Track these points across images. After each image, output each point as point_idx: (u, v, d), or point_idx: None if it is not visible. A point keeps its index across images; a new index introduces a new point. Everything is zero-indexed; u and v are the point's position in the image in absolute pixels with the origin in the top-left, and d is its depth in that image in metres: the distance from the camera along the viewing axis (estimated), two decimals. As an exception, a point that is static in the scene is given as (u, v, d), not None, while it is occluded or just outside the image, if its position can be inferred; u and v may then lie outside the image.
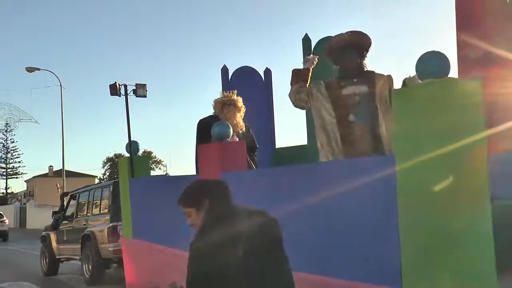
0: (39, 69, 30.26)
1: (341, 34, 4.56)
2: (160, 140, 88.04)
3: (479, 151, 2.98)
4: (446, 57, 3.17)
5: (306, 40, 6.09)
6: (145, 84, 6.27)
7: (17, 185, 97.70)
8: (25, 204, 48.98)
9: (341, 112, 4.29)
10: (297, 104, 4.65)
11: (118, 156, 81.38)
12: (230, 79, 6.72)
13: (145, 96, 6.28)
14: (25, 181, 73.21)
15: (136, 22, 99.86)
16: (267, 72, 6.90)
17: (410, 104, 3.10)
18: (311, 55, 5.00)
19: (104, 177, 72.05)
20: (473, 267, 2.90)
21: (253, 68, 6.94)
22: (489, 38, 4.13)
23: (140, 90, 6.25)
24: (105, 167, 75.45)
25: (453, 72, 3.58)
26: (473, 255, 2.90)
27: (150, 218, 6.19)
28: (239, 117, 5.19)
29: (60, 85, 30.54)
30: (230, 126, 4.78)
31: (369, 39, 4.46)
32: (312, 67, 4.74)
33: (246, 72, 6.79)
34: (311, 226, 3.74)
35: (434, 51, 3.21)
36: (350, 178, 3.49)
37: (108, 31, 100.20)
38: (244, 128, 5.25)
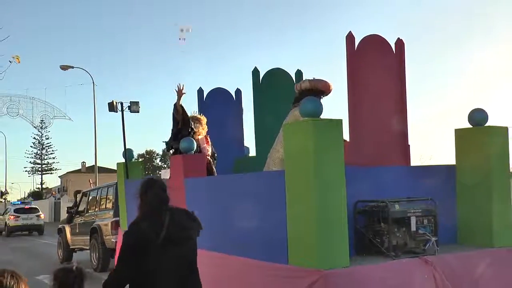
0: (72, 67, 30.68)
1: (305, 80, 5.84)
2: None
3: (337, 167, 4.27)
4: (318, 101, 4.47)
5: (255, 72, 7.12)
6: (138, 101, 7.60)
7: (52, 181, 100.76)
8: (59, 199, 50.07)
9: None
10: None
11: (149, 152, 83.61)
12: (205, 99, 7.75)
13: (138, 112, 7.61)
14: (59, 176, 75.11)
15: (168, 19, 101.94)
16: (238, 92, 7.93)
17: (289, 135, 4.42)
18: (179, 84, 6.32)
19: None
20: (330, 244, 4.17)
21: (225, 89, 7.96)
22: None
23: (134, 107, 7.61)
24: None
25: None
26: (330, 237, 4.19)
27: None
28: (202, 131, 6.54)
29: (93, 82, 30.71)
30: (194, 142, 6.12)
31: (329, 86, 5.69)
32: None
33: (219, 93, 7.85)
34: (231, 217, 5.13)
35: (311, 97, 4.54)
36: (260, 184, 4.86)
37: (140, 29, 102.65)
38: (208, 140, 6.60)
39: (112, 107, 7.42)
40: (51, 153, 77.45)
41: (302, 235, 4.31)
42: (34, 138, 75.93)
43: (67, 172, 69.65)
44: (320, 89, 5.62)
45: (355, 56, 5.20)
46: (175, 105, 6.32)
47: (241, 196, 5.21)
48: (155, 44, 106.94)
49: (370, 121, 5.25)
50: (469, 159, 5.47)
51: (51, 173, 77.79)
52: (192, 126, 6.48)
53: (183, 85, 6.22)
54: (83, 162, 68.64)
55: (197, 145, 6.22)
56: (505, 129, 5.50)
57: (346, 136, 4.99)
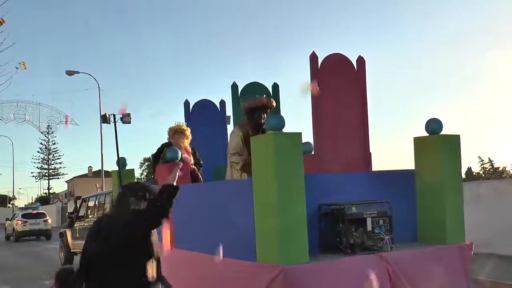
0: (78, 72, 31.18)
1: (261, 97, 6.49)
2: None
3: (297, 175, 4.84)
4: (282, 117, 5.05)
5: (234, 86, 7.65)
6: (130, 113, 8.23)
7: (59, 186, 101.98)
8: (66, 203, 50.89)
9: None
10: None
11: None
12: (191, 110, 8.29)
13: (130, 123, 8.24)
14: (66, 181, 76.18)
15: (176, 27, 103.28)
16: (222, 103, 8.46)
17: (256, 147, 5.01)
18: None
19: (142, 177, 74.50)
20: (290, 242, 4.75)
21: (210, 100, 8.50)
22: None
23: (125, 118, 8.25)
24: (143, 167, 78.23)
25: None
26: (290, 236, 4.77)
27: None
28: (186, 142, 7.13)
29: (99, 87, 31.22)
30: (179, 151, 6.71)
31: (261, 101, 6.37)
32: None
33: (204, 105, 8.37)
34: (208, 220, 5.73)
35: (276, 114, 5.12)
36: (232, 191, 5.46)
37: (146, 34, 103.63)
38: (190, 150, 7.19)
39: (105, 119, 8.03)
40: (58, 158, 78.51)
41: (267, 235, 4.89)
42: (41, 143, 76.97)
43: (74, 177, 70.53)
44: (254, 106, 6.29)
45: (318, 74, 5.78)
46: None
47: (217, 202, 5.80)
48: (162, 49, 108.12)
49: (333, 133, 5.83)
50: (426, 164, 6.03)
51: (58, 178, 78.88)
52: (174, 139, 7.11)
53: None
54: (90, 166, 69.47)
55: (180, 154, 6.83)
56: (457, 137, 6.07)
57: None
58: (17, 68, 9.62)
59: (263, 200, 4.92)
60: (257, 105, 6.39)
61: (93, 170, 66.26)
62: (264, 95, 6.69)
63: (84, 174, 69.07)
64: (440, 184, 5.89)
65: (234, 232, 5.41)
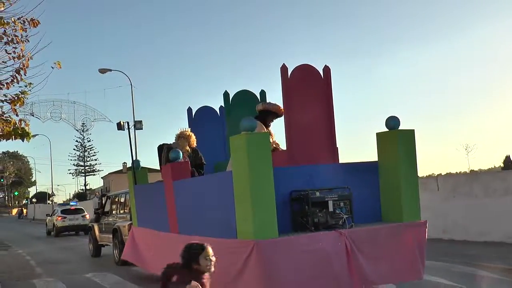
0: (110, 70, 31.50)
1: (260, 103, 7.67)
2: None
3: (266, 167, 6.01)
4: (253, 119, 6.22)
5: (226, 95, 8.83)
6: (141, 120, 9.52)
7: (95, 182, 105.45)
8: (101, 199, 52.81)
9: None
10: None
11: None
12: (194, 116, 9.43)
13: (141, 129, 9.53)
14: (101, 177, 78.74)
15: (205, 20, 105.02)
16: (221, 109, 9.40)
17: (233, 145, 6.19)
18: None
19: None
20: (262, 222, 5.91)
21: (211, 107, 9.59)
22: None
23: (138, 125, 9.56)
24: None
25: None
26: (264, 213, 5.92)
27: (147, 211, 9.54)
28: (187, 145, 8.35)
29: (131, 84, 31.18)
30: (181, 152, 7.97)
31: (278, 108, 7.43)
32: None
33: (205, 111, 9.48)
34: (200, 208, 6.98)
35: (249, 117, 6.28)
36: (217, 182, 6.69)
37: (174, 31, 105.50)
38: (190, 151, 8.42)
39: (119, 126, 9.33)
40: (93, 155, 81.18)
41: (244, 217, 6.06)
42: (77, 141, 79.69)
43: (109, 173, 72.51)
44: (271, 110, 7.44)
45: (289, 83, 6.93)
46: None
47: (207, 191, 7.03)
48: (191, 46, 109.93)
49: (302, 132, 6.97)
50: (387, 155, 7.11)
51: (94, 175, 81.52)
52: (177, 142, 8.38)
53: None
54: (124, 162, 71.21)
55: (183, 156, 8.09)
56: (412, 131, 7.13)
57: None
58: (52, 67, 9.71)
59: (240, 188, 6.08)
60: (274, 110, 7.55)
61: (127, 166, 68.10)
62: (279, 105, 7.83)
63: (119, 170, 70.92)
64: (398, 172, 6.97)
65: (222, 216, 6.61)
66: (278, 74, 6.90)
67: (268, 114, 7.51)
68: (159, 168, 8.64)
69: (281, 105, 7.27)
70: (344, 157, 8.58)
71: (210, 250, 4.74)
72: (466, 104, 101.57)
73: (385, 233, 6.69)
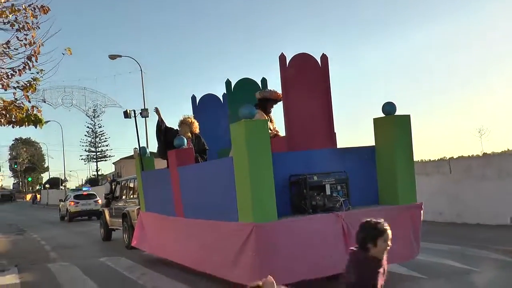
0: (120, 56, 31.63)
1: (258, 92, 7.93)
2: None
3: (264, 152, 6.28)
4: (252, 107, 6.47)
5: (228, 83, 9.02)
6: (147, 108, 9.78)
7: (106, 167, 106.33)
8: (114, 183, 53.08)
9: None
10: None
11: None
12: (198, 103, 9.75)
13: (148, 116, 9.78)
14: (113, 163, 79.39)
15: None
16: (224, 96, 9.65)
17: (234, 132, 6.45)
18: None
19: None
20: (261, 205, 6.19)
21: (214, 94, 9.90)
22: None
23: (144, 113, 9.85)
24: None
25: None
26: (263, 197, 6.20)
27: (154, 197, 9.86)
28: (189, 132, 8.62)
29: (141, 70, 31.81)
30: (185, 139, 8.25)
31: (275, 94, 7.73)
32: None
33: (209, 98, 9.81)
34: (204, 192, 7.27)
35: (248, 105, 6.54)
36: (219, 168, 6.97)
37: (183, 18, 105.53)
38: (193, 137, 8.69)
39: (126, 114, 9.63)
40: (104, 141, 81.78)
41: (244, 200, 6.34)
42: (88, 127, 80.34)
43: (120, 159, 73.03)
44: (268, 97, 7.69)
45: (287, 71, 7.16)
46: (158, 121, 8.64)
47: (210, 177, 7.32)
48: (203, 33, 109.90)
49: (300, 119, 7.21)
50: (383, 140, 7.35)
51: (105, 160, 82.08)
52: (179, 129, 8.67)
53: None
54: (135, 148, 71.84)
55: (187, 142, 8.38)
56: (408, 116, 7.35)
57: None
58: (63, 54, 9.72)
59: (240, 173, 6.36)
60: (271, 97, 7.83)
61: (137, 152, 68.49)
62: (269, 89, 8.09)
63: (130, 156, 71.56)
64: (394, 156, 7.21)
65: (224, 200, 6.90)
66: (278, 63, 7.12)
67: (266, 101, 7.78)
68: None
69: (279, 91, 7.53)
70: (343, 142, 8.82)
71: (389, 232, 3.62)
72: (479, 86, 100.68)
73: (381, 216, 6.91)
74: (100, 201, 30.88)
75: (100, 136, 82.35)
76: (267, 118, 7.56)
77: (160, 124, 8.85)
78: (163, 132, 8.73)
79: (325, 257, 6.43)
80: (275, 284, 1.73)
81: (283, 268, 6.14)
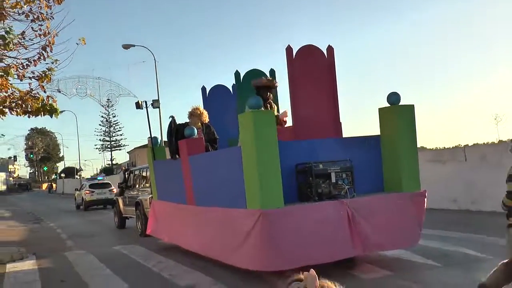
0: (134, 46, 31.49)
1: (261, 79, 8.17)
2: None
3: (271, 142, 6.50)
4: (259, 98, 6.69)
5: (237, 74, 9.27)
6: (158, 99, 10.02)
7: (121, 156, 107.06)
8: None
9: None
10: None
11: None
12: (208, 94, 9.98)
13: (159, 107, 10.04)
14: (127, 152, 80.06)
15: None
16: (234, 87, 9.87)
17: (241, 122, 6.68)
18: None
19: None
20: (268, 192, 6.43)
21: (224, 85, 10.09)
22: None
23: (155, 103, 10.11)
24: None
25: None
26: (270, 185, 6.44)
27: (165, 185, 10.14)
28: (199, 122, 8.85)
29: (154, 59, 31.66)
30: (195, 129, 8.50)
31: (261, 81, 8.00)
32: None
33: (218, 89, 10.01)
34: (213, 180, 7.52)
35: (256, 95, 6.76)
36: (228, 157, 7.21)
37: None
38: (203, 127, 8.92)
39: (138, 105, 9.89)
40: (118, 130, 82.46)
41: (252, 188, 6.57)
42: (102, 116, 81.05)
43: (135, 148, 73.61)
44: (257, 85, 7.95)
45: (294, 63, 7.36)
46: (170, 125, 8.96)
47: (219, 165, 7.56)
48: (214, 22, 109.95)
49: (308, 110, 7.42)
50: (388, 129, 7.53)
51: (120, 150, 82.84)
52: (189, 120, 8.91)
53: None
54: (149, 137, 72.39)
55: (198, 132, 8.62)
56: (412, 106, 7.52)
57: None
58: (77, 44, 9.72)
59: (248, 162, 6.59)
60: (258, 85, 8.08)
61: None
62: (264, 77, 8.35)
63: (144, 145, 71.95)
64: (398, 145, 7.39)
65: (233, 188, 7.14)
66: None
67: (259, 89, 8.05)
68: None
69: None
70: (350, 131, 9.02)
71: None
72: (496, 71, 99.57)
73: (385, 203, 7.15)
74: (114, 190, 30.78)
75: (114, 125, 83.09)
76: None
77: (172, 129, 9.03)
78: (173, 133, 8.94)
79: (331, 243, 6.65)
80: (317, 278, 1.71)
81: (289, 254, 6.39)
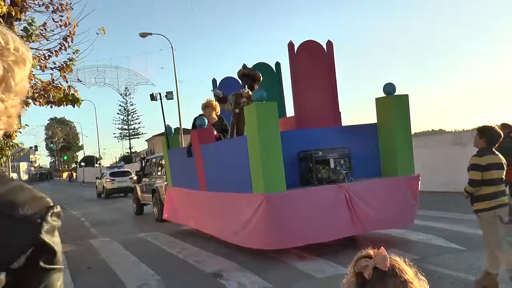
0: (151, 34, 31.44)
1: (240, 69, 8.83)
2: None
3: (273, 132, 7.10)
4: (263, 91, 7.29)
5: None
6: (172, 91, 10.62)
7: (139, 144, 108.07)
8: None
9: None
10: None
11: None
12: (218, 86, 10.46)
13: (172, 99, 10.65)
14: (146, 140, 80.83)
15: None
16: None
17: (247, 113, 7.28)
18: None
19: (220, 134, 77.79)
20: (271, 177, 7.05)
21: (234, 78, 10.43)
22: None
23: (169, 95, 10.75)
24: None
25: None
26: (272, 171, 7.05)
27: (179, 173, 10.81)
28: (214, 113, 9.43)
29: (172, 47, 31.01)
30: (206, 119, 9.12)
31: (240, 72, 8.64)
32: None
33: (229, 81, 10.54)
34: (222, 167, 8.16)
35: (260, 88, 7.35)
36: (235, 145, 7.84)
37: None
38: (216, 118, 9.51)
39: (152, 97, 10.55)
40: (137, 119, 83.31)
41: (257, 174, 7.19)
42: (120, 105, 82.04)
43: (153, 136, 74.21)
44: (241, 75, 8.71)
45: (295, 58, 7.93)
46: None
47: (228, 154, 8.20)
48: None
49: (308, 101, 8.00)
50: (384, 118, 8.07)
51: (138, 138, 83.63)
52: (203, 112, 9.50)
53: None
54: (168, 124, 73.04)
55: (209, 123, 9.24)
56: (406, 96, 8.05)
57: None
58: (97, 33, 9.62)
59: (253, 150, 7.21)
60: (239, 75, 8.89)
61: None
62: (242, 67, 9.02)
63: (162, 133, 72.46)
64: (394, 132, 7.94)
65: (240, 174, 7.76)
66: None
67: (241, 78, 8.91)
68: None
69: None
70: (349, 119, 9.52)
71: None
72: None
73: (381, 186, 7.73)
74: (135, 178, 31.83)
75: (132, 114, 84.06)
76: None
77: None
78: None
79: (331, 224, 7.24)
80: (387, 257, 1.50)
81: (291, 233, 7.01)
